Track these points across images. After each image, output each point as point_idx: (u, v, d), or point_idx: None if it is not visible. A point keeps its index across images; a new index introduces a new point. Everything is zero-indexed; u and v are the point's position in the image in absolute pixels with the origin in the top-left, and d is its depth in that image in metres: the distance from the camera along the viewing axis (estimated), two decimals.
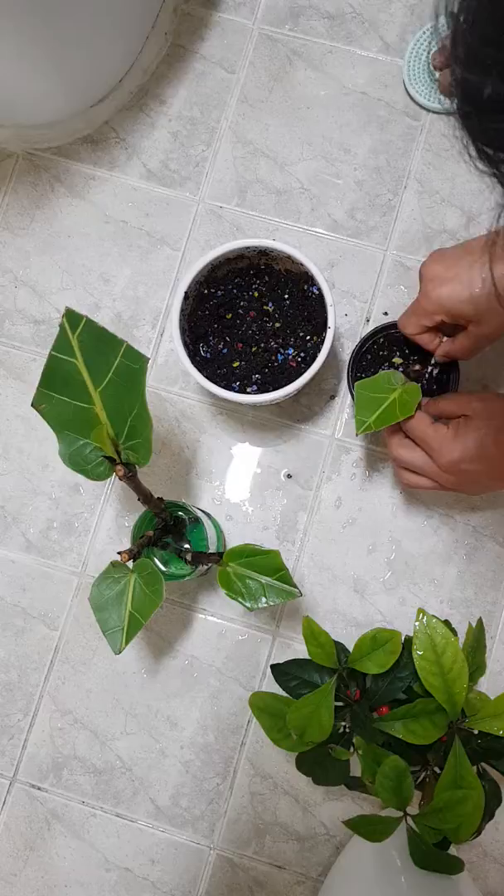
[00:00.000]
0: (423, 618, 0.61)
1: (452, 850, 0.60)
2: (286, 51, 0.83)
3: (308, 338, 0.70)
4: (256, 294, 0.72)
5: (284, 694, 0.64)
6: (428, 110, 0.81)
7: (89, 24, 0.71)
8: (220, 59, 0.83)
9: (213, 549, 0.68)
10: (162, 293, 0.80)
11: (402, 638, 0.62)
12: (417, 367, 0.68)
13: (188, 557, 0.63)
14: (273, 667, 0.65)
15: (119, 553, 0.57)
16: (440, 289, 0.59)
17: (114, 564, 0.56)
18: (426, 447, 0.62)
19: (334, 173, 0.80)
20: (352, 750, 0.62)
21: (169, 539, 0.65)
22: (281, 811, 0.72)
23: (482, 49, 0.26)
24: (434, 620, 0.61)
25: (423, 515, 0.75)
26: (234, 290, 0.72)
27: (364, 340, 0.69)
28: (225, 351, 0.71)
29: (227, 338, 0.71)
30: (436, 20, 0.27)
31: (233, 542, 0.75)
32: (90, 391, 0.51)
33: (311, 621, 0.63)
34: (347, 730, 0.63)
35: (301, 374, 0.65)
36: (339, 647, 0.65)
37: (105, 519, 0.76)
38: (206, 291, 0.71)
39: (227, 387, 0.67)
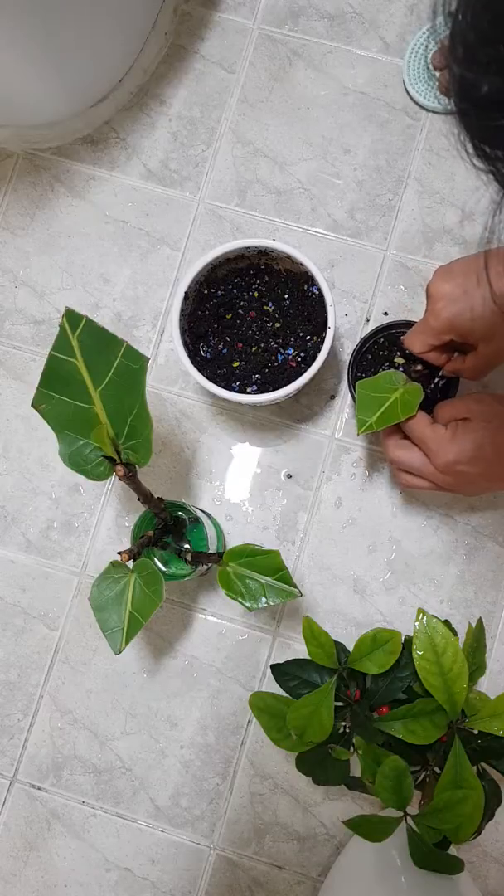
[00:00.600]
0: (423, 618, 0.61)
1: (452, 850, 0.60)
2: (286, 51, 0.83)
3: (308, 338, 0.70)
4: (256, 294, 0.72)
5: (284, 694, 0.64)
6: (428, 110, 0.81)
7: (89, 24, 0.71)
8: (220, 59, 0.83)
9: (213, 549, 0.68)
10: (162, 293, 0.80)
11: (402, 638, 0.62)
12: (419, 367, 0.68)
13: (188, 557, 0.63)
14: (273, 667, 0.65)
15: (119, 553, 0.57)
16: (450, 308, 0.58)
17: (114, 564, 0.56)
18: (424, 448, 0.62)
19: (334, 173, 0.81)
20: (352, 750, 0.62)
21: (169, 539, 0.65)
22: (281, 811, 0.72)
23: (480, 46, 0.26)
24: (434, 620, 0.61)
25: (422, 516, 0.75)
26: (234, 290, 0.72)
27: (364, 340, 0.69)
28: (225, 351, 0.71)
29: (227, 338, 0.71)
30: (434, 20, 0.27)
31: (233, 542, 0.75)
32: (90, 391, 0.51)
33: (311, 621, 0.63)
34: (347, 730, 0.63)
35: (301, 374, 0.65)
36: (339, 647, 0.65)
37: (105, 519, 0.76)
38: (206, 291, 0.71)
39: (227, 387, 0.67)
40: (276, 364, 0.70)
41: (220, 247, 0.68)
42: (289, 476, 0.76)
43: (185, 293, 0.68)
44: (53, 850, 0.72)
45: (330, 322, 0.66)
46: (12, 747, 0.74)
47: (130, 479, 0.54)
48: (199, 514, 0.68)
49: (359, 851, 0.66)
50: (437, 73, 0.79)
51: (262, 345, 0.71)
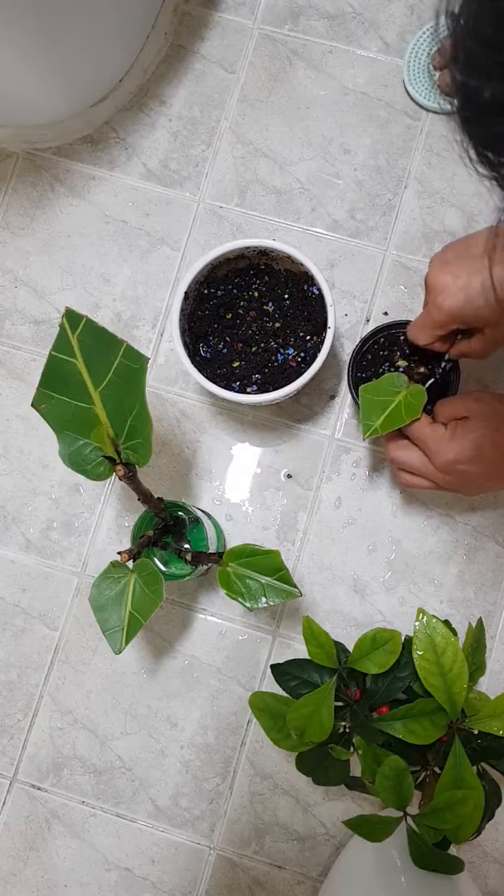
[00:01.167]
0: (423, 618, 0.61)
1: (452, 850, 0.60)
2: (286, 51, 0.83)
3: (308, 338, 0.70)
4: (256, 294, 0.72)
5: (284, 694, 0.64)
6: (428, 110, 0.81)
7: (89, 24, 0.71)
8: (220, 59, 0.83)
9: (213, 549, 0.68)
10: (162, 293, 0.80)
11: (402, 638, 0.62)
12: (421, 369, 0.68)
13: (188, 557, 0.63)
14: (273, 667, 0.65)
15: (119, 553, 0.57)
16: (451, 300, 0.57)
17: (114, 564, 0.56)
18: (424, 447, 0.62)
19: (334, 173, 0.80)
20: (352, 750, 0.62)
21: (169, 539, 0.65)
22: (281, 811, 0.72)
23: (482, 51, 0.26)
24: (434, 620, 0.61)
25: (422, 515, 0.75)
26: (234, 290, 0.72)
27: (364, 340, 0.69)
28: (225, 351, 0.71)
29: (227, 338, 0.71)
30: (436, 20, 0.27)
31: (233, 542, 0.75)
32: (90, 391, 0.51)
33: (311, 621, 0.63)
34: (347, 730, 0.63)
35: (301, 374, 0.65)
36: (339, 647, 0.65)
37: (105, 519, 0.76)
38: (206, 291, 0.71)
39: (227, 387, 0.67)
40: (276, 364, 0.70)
41: (220, 247, 0.68)
42: (289, 476, 0.76)
43: (185, 293, 0.68)
44: (53, 850, 0.72)
45: (330, 322, 0.66)
46: (12, 747, 0.74)
47: (130, 479, 0.54)
48: (199, 514, 0.68)
49: (359, 851, 0.65)
50: (438, 74, 0.79)
51: (262, 345, 0.71)
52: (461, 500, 0.75)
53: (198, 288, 0.70)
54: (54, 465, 0.77)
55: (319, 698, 0.60)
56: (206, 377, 0.66)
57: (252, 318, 0.72)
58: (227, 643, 0.74)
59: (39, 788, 0.73)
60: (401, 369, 0.69)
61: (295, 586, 0.59)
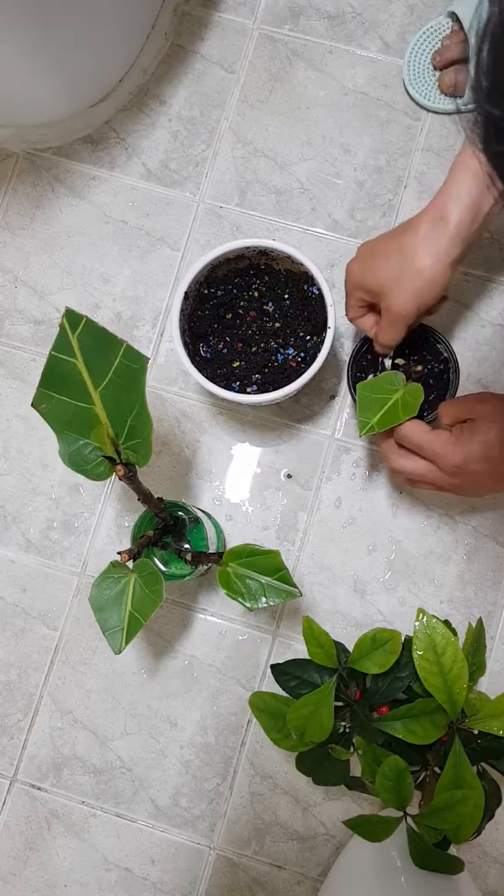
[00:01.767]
0: (423, 618, 0.61)
1: (452, 850, 0.60)
2: (286, 51, 0.83)
3: (308, 338, 0.70)
4: (256, 294, 0.72)
5: (284, 694, 0.64)
6: (428, 110, 0.81)
7: (89, 25, 0.71)
8: (219, 59, 0.83)
9: (213, 549, 0.68)
10: (162, 293, 0.80)
11: (402, 638, 0.62)
12: (419, 367, 0.68)
13: (188, 557, 0.63)
14: (273, 667, 0.65)
15: (119, 553, 0.57)
16: (352, 264, 0.65)
17: (114, 564, 0.56)
18: (427, 454, 0.61)
19: (334, 173, 0.80)
20: (352, 750, 0.62)
21: (169, 539, 0.65)
22: (281, 811, 0.72)
23: None
24: (434, 620, 0.61)
25: (422, 515, 0.75)
26: (234, 290, 0.72)
27: (364, 340, 0.69)
28: (225, 351, 0.71)
29: (227, 338, 0.71)
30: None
31: (233, 542, 0.75)
32: (90, 391, 0.51)
33: (311, 621, 0.63)
34: (347, 730, 0.63)
35: (301, 374, 0.65)
36: (339, 647, 0.65)
37: (105, 519, 0.76)
38: (206, 291, 0.71)
39: (227, 387, 0.67)
40: (276, 364, 0.70)
41: (220, 247, 0.68)
42: (289, 476, 0.76)
43: (185, 293, 0.68)
44: (53, 850, 0.72)
45: (330, 322, 0.66)
46: (12, 747, 0.74)
47: (130, 479, 0.54)
48: (199, 514, 0.68)
49: (359, 851, 0.66)
50: (438, 73, 0.79)
51: (262, 345, 0.71)
52: (461, 501, 0.75)
53: (198, 288, 0.70)
54: (54, 465, 0.77)
55: (319, 698, 0.60)
56: (206, 377, 0.66)
57: (252, 318, 0.72)
58: (227, 643, 0.74)
59: (39, 788, 0.73)
60: (399, 368, 0.69)
61: (295, 586, 0.59)
